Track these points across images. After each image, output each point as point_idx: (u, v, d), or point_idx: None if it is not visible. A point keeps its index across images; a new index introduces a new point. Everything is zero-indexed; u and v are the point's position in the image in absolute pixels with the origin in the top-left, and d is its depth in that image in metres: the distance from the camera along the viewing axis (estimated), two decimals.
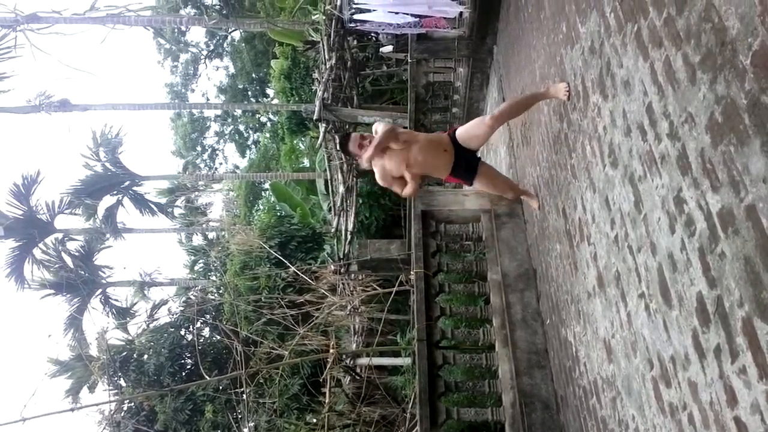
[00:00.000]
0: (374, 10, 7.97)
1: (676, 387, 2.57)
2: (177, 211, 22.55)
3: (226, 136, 31.84)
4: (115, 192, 18.42)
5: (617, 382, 3.32)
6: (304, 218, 16.03)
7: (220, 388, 12.23)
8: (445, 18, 7.82)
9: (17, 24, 13.01)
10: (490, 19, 7.46)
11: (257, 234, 13.87)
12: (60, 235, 18.34)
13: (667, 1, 2.52)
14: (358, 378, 8.34)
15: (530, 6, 5.42)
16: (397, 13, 7.73)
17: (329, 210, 13.16)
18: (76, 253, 18.51)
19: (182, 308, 15.98)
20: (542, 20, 4.90)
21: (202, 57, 29.03)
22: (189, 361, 14.64)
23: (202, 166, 31.02)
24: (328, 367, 7.48)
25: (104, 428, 10.36)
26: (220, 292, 16.43)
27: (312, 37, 12.13)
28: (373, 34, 11.70)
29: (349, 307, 9.00)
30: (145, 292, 20.11)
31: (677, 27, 2.43)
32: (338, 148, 4.76)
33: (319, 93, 10.29)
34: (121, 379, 14.07)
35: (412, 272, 5.66)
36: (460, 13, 7.75)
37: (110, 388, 13.56)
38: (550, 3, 4.64)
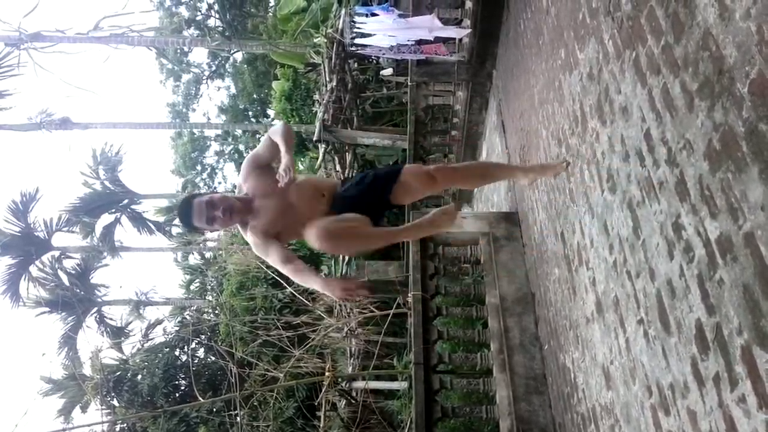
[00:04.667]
0: (375, 35, 8.06)
1: (675, 415, 2.54)
2: (175, 230, 22.53)
3: (226, 156, 31.95)
4: (113, 210, 18.42)
5: (616, 409, 3.29)
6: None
7: (214, 410, 12.08)
8: (444, 44, 7.90)
9: (21, 42, 13.14)
10: (490, 44, 7.55)
11: (254, 254, 13.80)
12: (57, 253, 18.28)
13: (665, 29, 2.54)
14: (353, 402, 8.25)
15: (529, 32, 5.48)
16: (396, 39, 7.82)
17: None
18: (73, 271, 18.44)
19: (177, 328, 15.86)
20: (541, 46, 4.95)
21: (204, 77, 29.25)
22: (183, 382, 14.46)
23: (201, 185, 31.06)
24: (323, 390, 7.40)
25: None
26: (216, 312, 16.32)
27: (313, 59, 12.24)
28: (373, 57, 11.81)
29: (345, 330, 8.94)
30: (141, 311, 19.99)
31: (675, 55, 2.45)
32: (180, 222, 2.91)
33: (320, 114, 10.35)
34: (115, 399, 13.90)
35: (409, 295, 5.63)
36: (460, 39, 7.84)
37: (103, 408, 13.39)
38: (548, 29, 4.69)
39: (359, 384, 8.66)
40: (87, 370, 15.96)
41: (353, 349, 9.53)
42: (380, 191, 2.86)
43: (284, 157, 2.73)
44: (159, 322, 18.03)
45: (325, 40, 10.30)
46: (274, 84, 18.80)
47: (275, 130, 2.85)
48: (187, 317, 16.77)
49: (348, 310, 9.23)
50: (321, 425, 7.87)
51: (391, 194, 2.86)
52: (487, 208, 8.04)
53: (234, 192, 2.93)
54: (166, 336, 15.88)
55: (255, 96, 27.93)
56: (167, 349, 14.85)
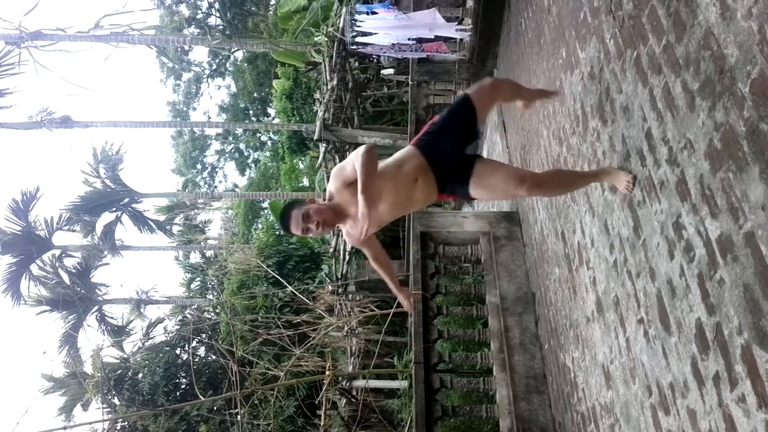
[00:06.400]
0: (376, 33, 8.06)
1: (675, 414, 2.54)
2: (175, 229, 22.56)
3: (227, 155, 31.99)
4: (114, 209, 18.42)
5: (616, 408, 3.29)
6: (302, 238, 16.00)
7: (215, 408, 12.09)
8: (445, 42, 7.90)
9: (21, 41, 13.13)
10: (491, 43, 7.54)
11: (255, 253, 13.85)
12: (58, 252, 18.30)
13: (666, 28, 2.54)
14: (354, 401, 8.26)
15: (530, 31, 5.47)
16: (397, 37, 7.83)
17: None
18: (74, 270, 18.46)
19: (178, 327, 15.88)
20: (542, 45, 4.94)
21: (205, 76, 29.25)
22: (184, 380, 14.49)
23: (201, 184, 31.11)
24: (323, 389, 7.40)
25: None
26: (217, 311, 16.35)
27: (314, 58, 12.23)
28: (374, 56, 11.82)
29: (346, 329, 8.95)
30: (142, 310, 20.02)
31: (676, 54, 2.45)
32: (281, 228, 2.98)
33: (320, 113, 10.35)
34: (115, 397, 13.92)
35: (410, 294, 5.62)
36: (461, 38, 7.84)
37: (104, 406, 13.40)
38: (549, 29, 4.69)
39: (360, 383, 8.67)
40: (88, 369, 15.99)
41: (353, 348, 9.54)
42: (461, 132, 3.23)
43: (359, 205, 2.55)
44: (160, 320, 18.05)
45: (326, 39, 10.29)
46: (275, 83, 18.84)
47: (358, 157, 2.65)
48: (188, 316, 16.77)
49: (348, 309, 9.24)
50: (321, 424, 7.88)
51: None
52: (487, 207, 8.03)
53: (325, 199, 2.93)
54: (166, 335, 15.89)
55: (255, 95, 27.97)
56: (168, 348, 14.88)
